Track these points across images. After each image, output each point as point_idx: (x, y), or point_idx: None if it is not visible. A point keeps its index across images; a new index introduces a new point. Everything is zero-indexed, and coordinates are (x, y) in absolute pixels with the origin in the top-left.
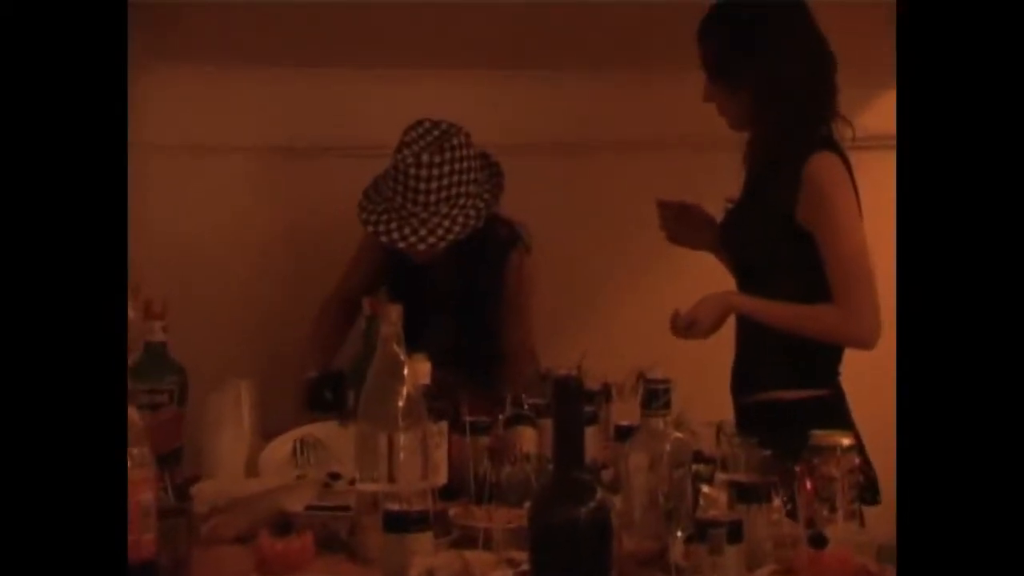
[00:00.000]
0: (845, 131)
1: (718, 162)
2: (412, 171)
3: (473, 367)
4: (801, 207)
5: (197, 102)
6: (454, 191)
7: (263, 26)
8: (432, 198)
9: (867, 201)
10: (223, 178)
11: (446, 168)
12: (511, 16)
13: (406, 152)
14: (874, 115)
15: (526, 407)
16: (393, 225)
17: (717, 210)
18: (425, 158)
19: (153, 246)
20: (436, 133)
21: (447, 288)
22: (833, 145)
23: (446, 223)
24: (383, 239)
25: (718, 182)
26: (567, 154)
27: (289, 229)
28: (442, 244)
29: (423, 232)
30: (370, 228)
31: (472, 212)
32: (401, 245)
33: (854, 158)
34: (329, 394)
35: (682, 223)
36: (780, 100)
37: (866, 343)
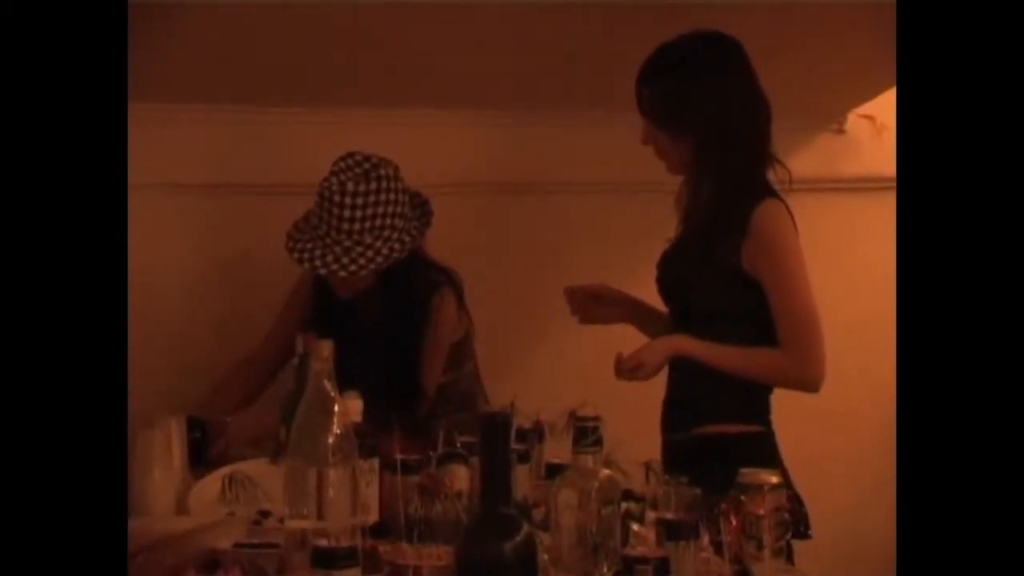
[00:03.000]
0: (782, 175)
1: (651, 205)
2: (336, 198)
3: (401, 405)
4: (747, 254)
5: (136, 141)
6: (379, 221)
7: (202, 65)
8: (356, 227)
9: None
10: (158, 215)
11: (371, 198)
12: (456, 57)
13: (332, 180)
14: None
15: (459, 445)
16: (317, 252)
17: (651, 253)
18: (350, 186)
19: None
20: (366, 165)
21: (371, 326)
22: (774, 191)
23: (369, 252)
24: (306, 265)
25: (658, 224)
26: (504, 194)
27: (223, 267)
28: (363, 272)
29: (345, 260)
30: (295, 256)
31: (396, 244)
32: (323, 271)
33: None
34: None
35: (591, 304)
36: (722, 149)
37: (813, 386)
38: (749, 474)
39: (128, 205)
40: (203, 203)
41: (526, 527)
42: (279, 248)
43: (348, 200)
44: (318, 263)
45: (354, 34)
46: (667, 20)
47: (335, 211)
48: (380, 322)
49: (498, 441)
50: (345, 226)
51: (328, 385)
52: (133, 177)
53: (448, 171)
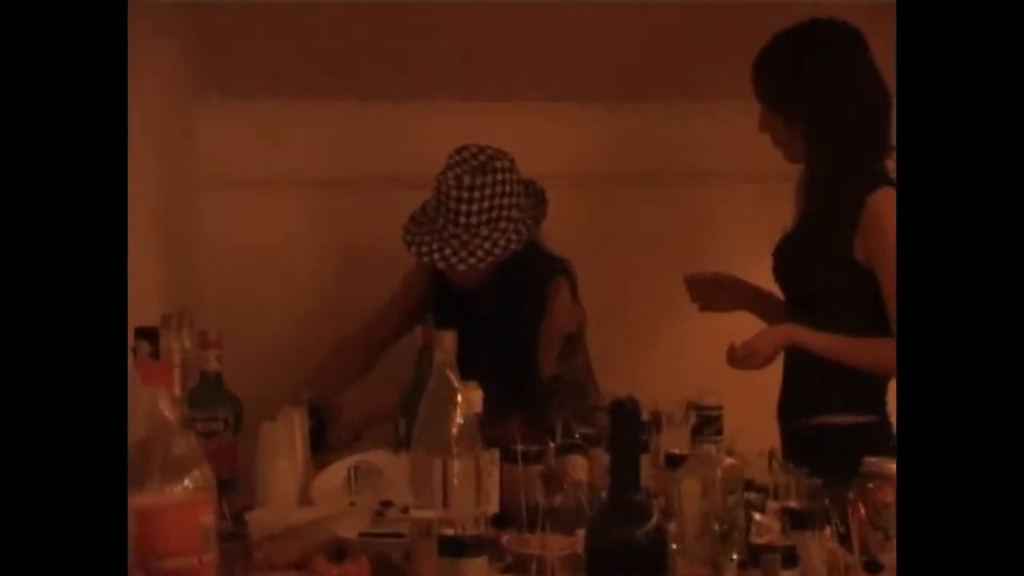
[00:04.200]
0: None
1: (768, 193)
2: (454, 192)
3: (518, 395)
4: (861, 242)
5: (254, 135)
6: (495, 214)
7: (319, 60)
8: (473, 220)
9: None
10: (279, 210)
11: (487, 191)
12: (560, 47)
13: (449, 174)
14: None
15: (577, 436)
16: (435, 246)
17: (767, 242)
18: (467, 180)
19: (209, 276)
20: (481, 157)
21: (488, 316)
22: (891, 180)
23: (486, 245)
24: (424, 259)
25: (767, 213)
26: (616, 186)
27: (344, 260)
28: (481, 265)
29: (463, 253)
30: (413, 249)
31: (513, 236)
32: (441, 265)
33: None
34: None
35: (711, 291)
36: (838, 135)
37: None
38: (874, 463)
39: (249, 200)
40: (325, 197)
41: (656, 514)
42: (397, 240)
43: (465, 194)
44: (436, 256)
45: (467, 28)
46: (781, 8)
47: (452, 205)
48: (497, 312)
49: (627, 427)
50: (463, 219)
51: (451, 375)
52: (256, 172)
53: (561, 162)
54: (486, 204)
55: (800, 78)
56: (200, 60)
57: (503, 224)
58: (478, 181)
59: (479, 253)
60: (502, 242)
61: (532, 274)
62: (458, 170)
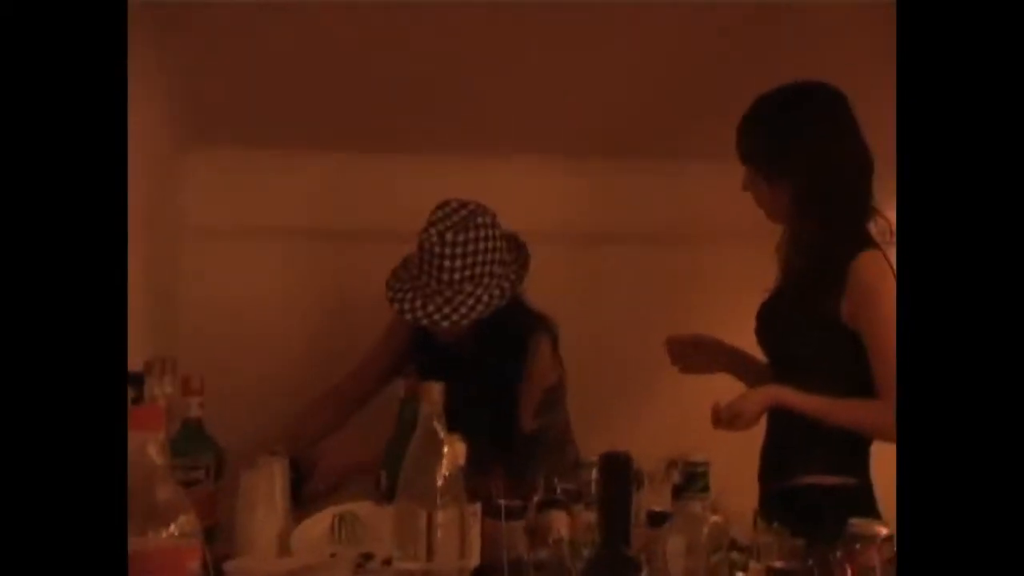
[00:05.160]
0: (883, 227)
1: (751, 254)
2: (436, 249)
3: (501, 449)
4: (847, 304)
5: (244, 185)
6: (478, 270)
7: (310, 111)
8: (456, 276)
9: None
10: (265, 259)
11: (470, 247)
12: (545, 103)
13: (431, 231)
14: None
15: (559, 491)
16: (418, 303)
17: (751, 302)
18: (449, 236)
19: (194, 323)
20: (463, 213)
21: (469, 369)
22: (875, 242)
23: (470, 301)
24: (407, 316)
25: (758, 273)
26: (599, 243)
27: (328, 311)
28: (464, 322)
29: (447, 310)
30: (395, 306)
31: (496, 292)
32: (424, 322)
33: None
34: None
35: (692, 354)
36: (823, 197)
37: None
38: (861, 524)
39: (236, 249)
40: (311, 247)
41: (645, 570)
42: (381, 292)
43: (448, 250)
44: (419, 314)
45: (452, 82)
46: (768, 69)
47: (435, 262)
48: (477, 365)
49: (619, 481)
50: (446, 276)
51: (438, 427)
52: (243, 221)
53: (544, 218)
54: (469, 260)
55: (785, 139)
56: (184, 109)
57: (486, 280)
58: (460, 237)
59: (462, 309)
60: (485, 298)
61: (514, 329)
62: (440, 226)
